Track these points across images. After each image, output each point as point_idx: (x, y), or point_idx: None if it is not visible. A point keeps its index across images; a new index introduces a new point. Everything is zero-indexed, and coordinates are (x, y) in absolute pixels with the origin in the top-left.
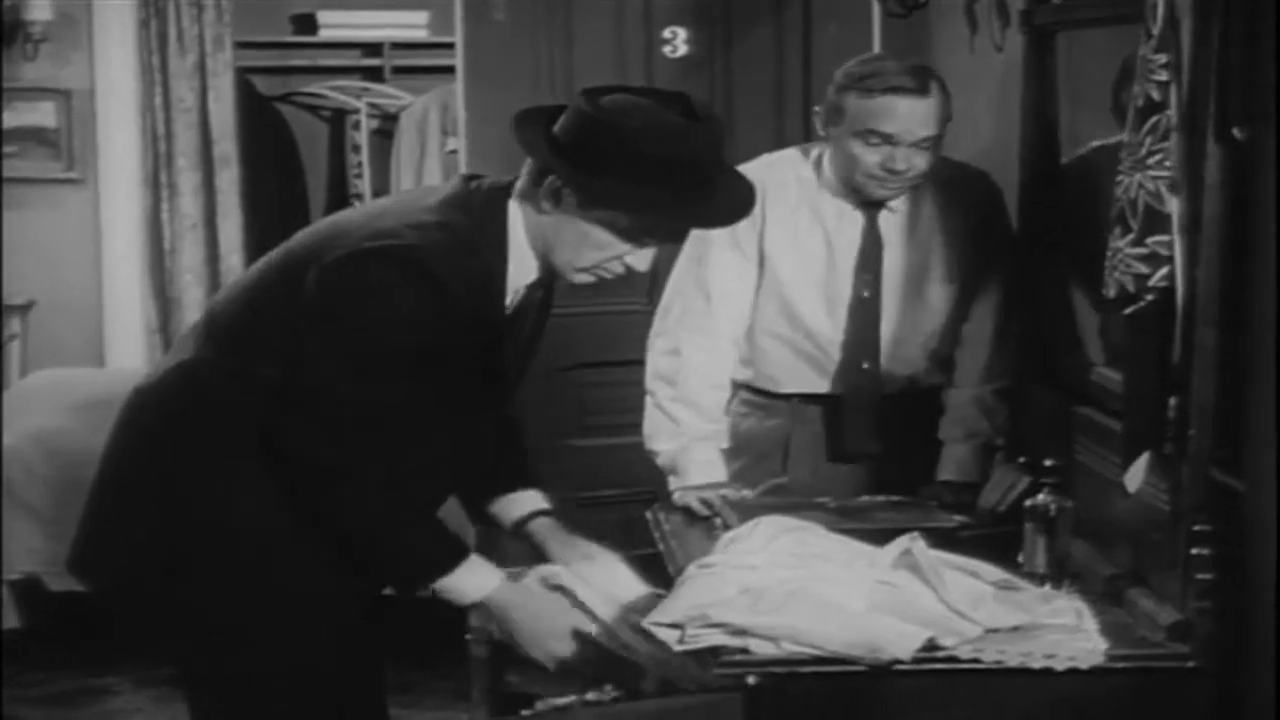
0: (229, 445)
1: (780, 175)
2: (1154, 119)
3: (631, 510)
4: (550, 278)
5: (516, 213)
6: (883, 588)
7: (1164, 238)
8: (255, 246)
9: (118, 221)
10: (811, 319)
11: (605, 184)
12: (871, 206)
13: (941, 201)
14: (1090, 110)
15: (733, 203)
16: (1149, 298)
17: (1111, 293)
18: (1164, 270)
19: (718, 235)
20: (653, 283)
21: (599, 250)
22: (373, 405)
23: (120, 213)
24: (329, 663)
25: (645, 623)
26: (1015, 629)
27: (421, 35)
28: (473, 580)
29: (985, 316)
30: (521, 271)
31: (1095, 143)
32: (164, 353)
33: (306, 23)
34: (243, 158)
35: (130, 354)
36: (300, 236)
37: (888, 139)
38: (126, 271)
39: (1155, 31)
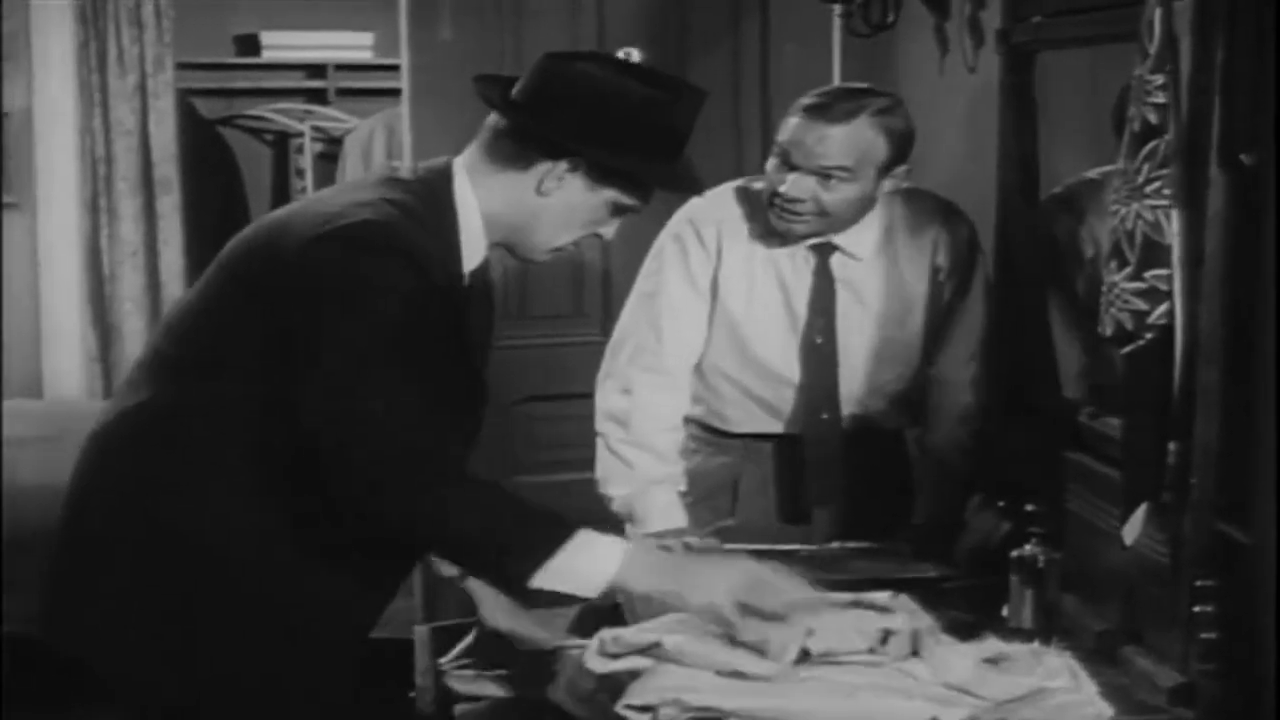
0: (213, 483)
1: (738, 208)
2: (1152, 144)
3: None
4: (486, 261)
5: (467, 189)
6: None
7: (1163, 271)
8: (197, 273)
9: (56, 247)
10: (765, 359)
11: (627, 161)
12: (824, 248)
13: (907, 236)
14: (1072, 136)
15: (691, 168)
16: (1148, 336)
17: (1108, 331)
18: (1164, 306)
19: (672, 270)
20: (606, 314)
21: (586, 228)
22: (406, 388)
23: (58, 238)
24: (337, 696)
25: (617, 707)
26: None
27: (366, 57)
28: (597, 552)
29: (960, 356)
30: (471, 253)
31: (1090, 174)
32: (105, 382)
33: (249, 43)
34: (184, 182)
35: (69, 384)
36: (233, 252)
37: (785, 159)
38: (65, 299)
39: (1152, 50)
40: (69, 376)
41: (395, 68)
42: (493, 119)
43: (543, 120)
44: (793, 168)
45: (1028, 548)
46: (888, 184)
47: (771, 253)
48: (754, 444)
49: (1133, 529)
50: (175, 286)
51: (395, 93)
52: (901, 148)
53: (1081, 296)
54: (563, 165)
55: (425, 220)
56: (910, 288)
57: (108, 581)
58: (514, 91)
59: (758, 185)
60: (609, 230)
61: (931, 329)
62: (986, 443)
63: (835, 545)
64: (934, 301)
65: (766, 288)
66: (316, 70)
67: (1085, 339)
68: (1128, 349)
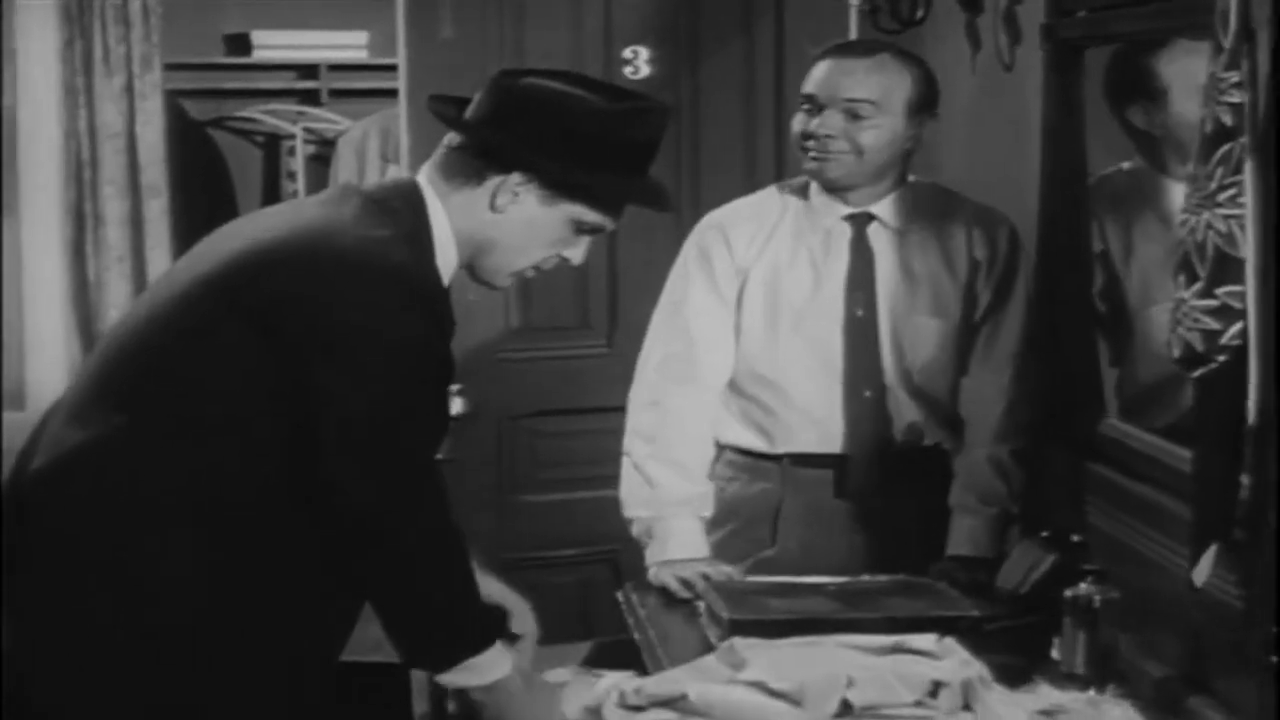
0: (172, 525)
1: (762, 209)
2: (1225, 148)
3: (589, 572)
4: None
5: (439, 209)
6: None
7: (1237, 288)
8: None
9: (39, 254)
10: (803, 351)
11: (582, 174)
12: (860, 219)
13: (936, 227)
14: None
15: (653, 183)
16: (1220, 358)
17: (1176, 353)
18: (1237, 326)
19: (696, 276)
20: (612, 325)
21: (548, 248)
22: (416, 433)
23: (42, 244)
24: None
25: None
26: None
27: (361, 56)
28: (494, 658)
29: (998, 368)
30: (447, 274)
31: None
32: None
33: (240, 43)
34: (172, 186)
35: (53, 395)
36: (224, 272)
37: (814, 101)
38: (48, 307)
39: (1226, 45)
40: (53, 387)
41: (391, 68)
42: (447, 138)
43: (494, 133)
44: (819, 107)
45: (1082, 586)
46: (909, 138)
47: (803, 241)
48: (793, 469)
49: (1203, 570)
50: None
51: (391, 94)
52: (928, 91)
53: (1100, 298)
54: (515, 179)
55: (420, 248)
56: (946, 272)
57: (59, 640)
58: (469, 109)
59: (789, 184)
60: (576, 253)
61: (967, 329)
62: (1027, 464)
63: (866, 578)
64: (969, 296)
65: (800, 275)
66: (309, 70)
67: (1113, 347)
68: (1198, 372)
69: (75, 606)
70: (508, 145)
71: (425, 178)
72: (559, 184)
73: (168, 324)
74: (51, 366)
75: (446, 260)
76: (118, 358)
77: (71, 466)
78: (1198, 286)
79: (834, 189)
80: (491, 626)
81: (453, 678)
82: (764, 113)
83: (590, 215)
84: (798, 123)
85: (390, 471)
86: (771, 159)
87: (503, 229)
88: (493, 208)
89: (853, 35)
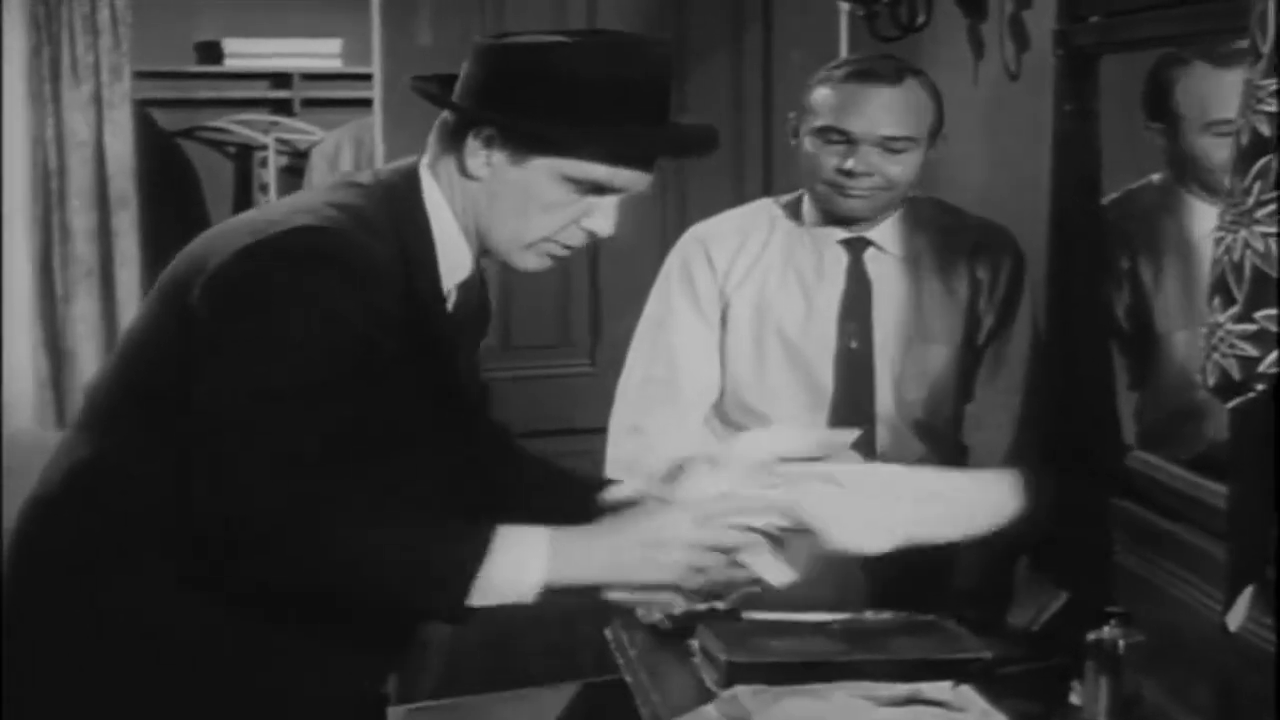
0: (149, 554)
1: (750, 224)
2: (1263, 161)
3: (574, 602)
4: (480, 274)
5: (435, 191)
6: None
7: (1277, 311)
8: None
9: (5, 267)
10: (791, 382)
11: (539, 121)
12: (856, 244)
13: (938, 248)
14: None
15: (691, 132)
16: (1259, 387)
17: (1211, 381)
18: (1277, 353)
19: (678, 295)
20: (595, 343)
21: (549, 213)
22: (310, 428)
23: (8, 257)
24: None
25: None
26: None
27: (335, 65)
28: (519, 554)
29: (1004, 392)
30: (454, 264)
31: (1140, 182)
32: (58, 410)
33: (211, 51)
34: (142, 198)
35: (20, 412)
36: (169, 272)
37: (845, 136)
38: (15, 322)
39: (1264, 50)
40: (20, 404)
41: (366, 77)
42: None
43: (460, 95)
44: (851, 141)
45: (1106, 629)
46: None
47: (794, 264)
48: None
49: (1238, 613)
50: (132, 308)
51: (365, 103)
52: (941, 109)
53: (1124, 319)
54: (475, 138)
55: (381, 228)
56: (947, 295)
57: (48, 665)
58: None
59: (779, 200)
60: (598, 222)
61: (970, 352)
62: (1036, 493)
63: (869, 616)
64: (972, 318)
65: (790, 302)
66: (282, 79)
67: (1133, 370)
68: (1234, 402)
69: (57, 648)
70: (468, 102)
71: (427, 156)
72: (522, 137)
73: (135, 330)
74: (19, 383)
75: (449, 244)
76: (102, 375)
77: (59, 489)
78: (1234, 310)
79: (836, 216)
80: (469, 538)
81: (494, 602)
82: (752, 121)
83: (577, 169)
84: (826, 154)
85: (236, 497)
86: (759, 168)
87: (487, 199)
88: (465, 173)
89: (844, 42)
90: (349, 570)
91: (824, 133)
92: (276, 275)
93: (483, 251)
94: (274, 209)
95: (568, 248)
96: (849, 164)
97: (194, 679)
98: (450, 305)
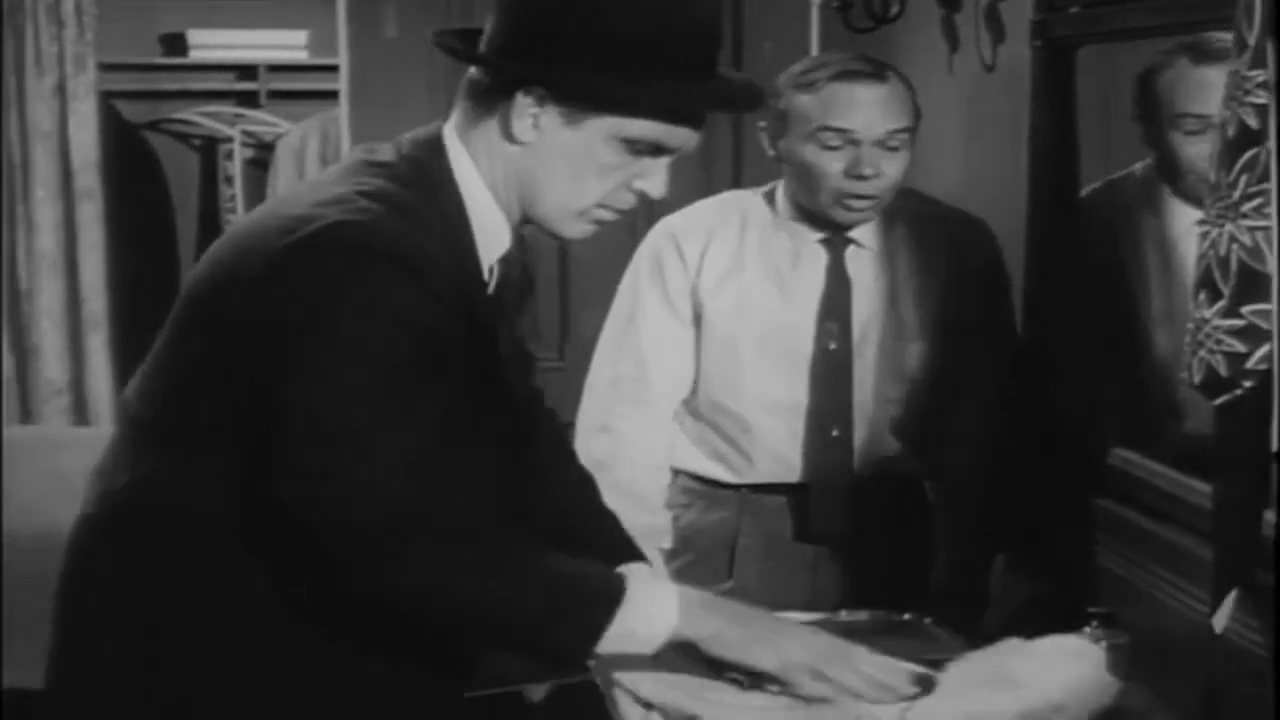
0: (207, 579)
1: (722, 217)
2: (1250, 153)
3: None
4: (522, 246)
5: (464, 161)
6: None
7: (1265, 306)
8: (119, 287)
9: None
10: (767, 381)
11: (597, 78)
12: (836, 242)
13: (917, 242)
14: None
15: (740, 86)
16: (1246, 384)
17: (1197, 378)
18: (1265, 349)
19: (648, 290)
20: (564, 337)
21: (604, 177)
22: (412, 426)
23: None
24: None
25: None
26: None
27: (301, 57)
28: (650, 609)
29: (981, 388)
30: (491, 239)
31: (1118, 174)
32: (22, 406)
33: (176, 43)
34: (107, 190)
35: None
36: (194, 278)
37: (847, 136)
38: None
39: (1251, 41)
40: None
41: (332, 68)
42: (471, 69)
43: (494, 52)
44: (853, 142)
45: (1088, 631)
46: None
47: (770, 261)
48: (752, 496)
49: (1223, 615)
50: (96, 303)
51: (332, 95)
52: (918, 105)
53: (1112, 314)
54: (524, 100)
55: (417, 209)
56: (926, 290)
57: (108, 693)
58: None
59: (754, 193)
60: (653, 183)
61: (948, 346)
62: (1014, 491)
63: (845, 616)
64: (950, 312)
65: (766, 300)
66: (247, 71)
67: (1115, 365)
68: (1221, 399)
69: (115, 679)
70: (505, 60)
71: (452, 121)
72: (577, 96)
73: (162, 343)
74: None
75: (484, 217)
76: (135, 384)
77: (105, 515)
78: (1220, 305)
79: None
80: (605, 582)
81: (615, 649)
82: (720, 116)
83: (637, 129)
84: (829, 160)
85: (355, 506)
86: (729, 162)
87: (536, 164)
88: (510, 139)
89: (815, 33)
90: (454, 594)
91: (821, 136)
92: (332, 276)
93: (523, 221)
94: (294, 203)
95: (618, 212)
96: (860, 168)
97: (265, 697)
98: (491, 285)
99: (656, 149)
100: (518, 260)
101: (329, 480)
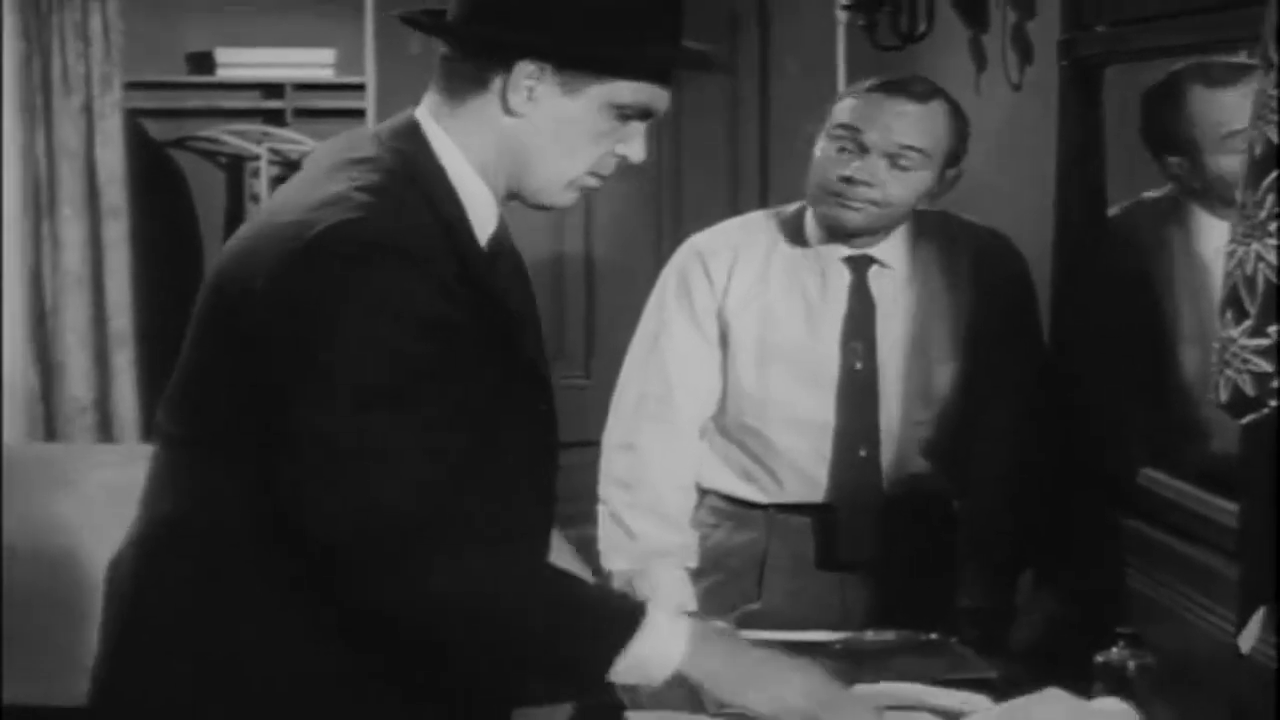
0: (248, 610)
1: (749, 237)
2: (1276, 172)
3: None
4: (504, 230)
5: (445, 142)
6: None
7: None
8: (145, 305)
9: None
10: (793, 400)
11: (594, 44)
12: (859, 261)
13: (943, 262)
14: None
15: (701, 50)
16: (1272, 403)
17: (1223, 397)
18: None
19: (674, 309)
20: (589, 354)
21: (596, 144)
22: (423, 427)
23: None
24: None
25: None
26: None
27: (328, 75)
28: (658, 642)
29: (1008, 405)
30: (481, 219)
31: (1149, 194)
32: (47, 424)
33: (203, 61)
34: (133, 208)
35: (8, 426)
36: (206, 289)
37: (857, 139)
38: (4, 334)
39: (1276, 60)
40: (9, 416)
41: (359, 87)
42: (440, 50)
43: (482, 23)
44: (862, 148)
45: (1114, 650)
46: (934, 190)
47: (796, 279)
48: (780, 516)
49: (1250, 634)
50: (122, 320)
51: (358, 113)
52: (963, 144)
53: (1132, 333)
54: (522, 70)
55: (412, 199)
56: (952, 309)
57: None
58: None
59: (780, 212)
60: (634, 148)
61: (975, 366)
62: (1040, 509)
63: (871, 635)
64: (976, 332)
65: (791, 318)
66: (274, 89)
67: (1142, 384)
68: (1247, 419)
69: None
70: (501, 32)
71: (426, 107)
72: (578, 62)
73: (184, 358)
74: (7, 395)
75: (473, 198)
76: (164, 403)
77: (148, 543)
78: (1247, 324)
79: (839, 232)
80: (624, 608)
81: (625, 680)
82: (748, 134)
83: (628, 93)
84: (829, 158)
85: (364, 519)
86: (756, 179)
87: (532, 135)
88: (508, 111)
89: (841, 52)
90: (486, 613)
91: (836, 137)
92: (337, 277)
93: (509, 197)
94: (292, 206)
95: (602, 179)
96: (851, 169)
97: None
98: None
99: (644, 113)
100: (506, 239)
101: (337, 493)
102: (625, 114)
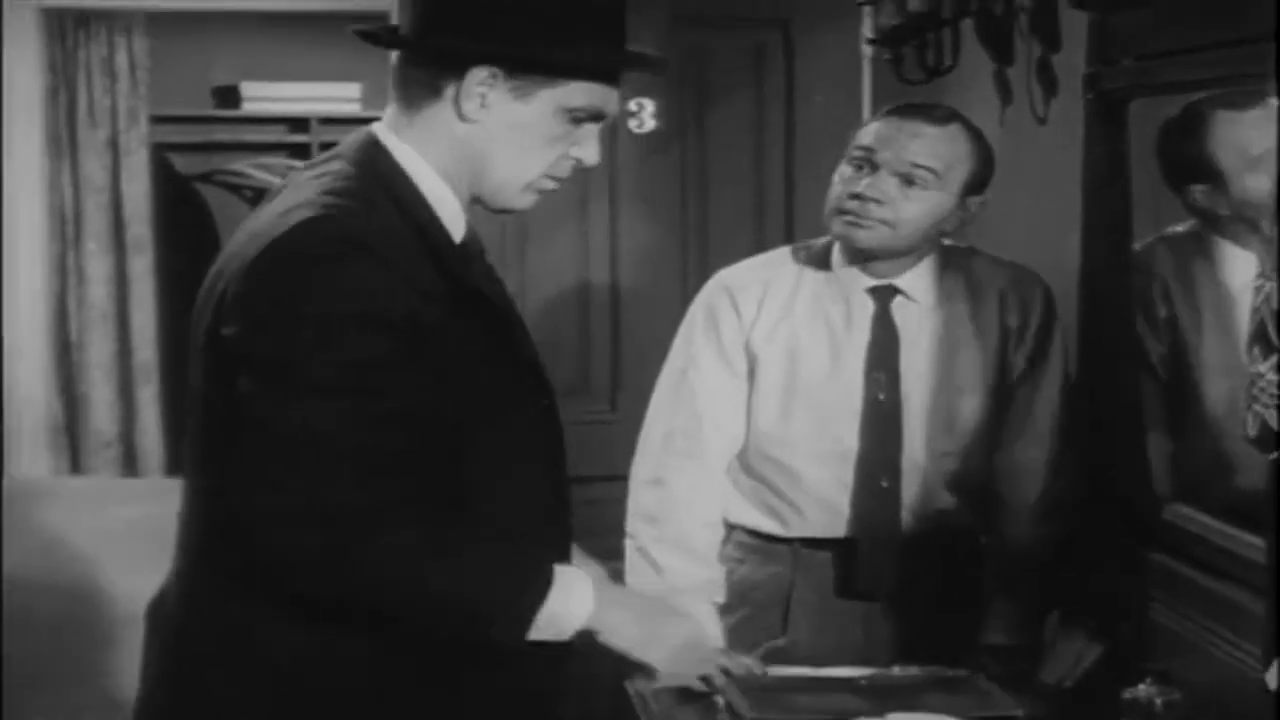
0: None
1: (777, 271)
2: None
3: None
4: (474, 231)
5: (407, 152)
6: None
7: None
8: (170, 340)
9: (20, 311)
10: (817, 432)
11: (546, 49)
12: (883, 292)
13: (968, 295)
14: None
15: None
16: None
17: (1252, 431)
18: None
19: (702, 344)
20: (615, 388)
21: (551, 146)
22: (366, 421)
23: (24, 301)
24: None
25: None
26: None
27: (354, 109)
28: (574, 596)
29: (1034, 441)
30: (452, 223)
31: (1172, 229)
32: (72, 456)
33: (229, 95)
34: (158, 242)
35: (32, 458)
36: (195, 318)
37: (870, 159)
38: (29, 366)
39: None
40: (34, 449)
41: None
42: (393, 63)
43: (433, 34)
44: (874, 167)
45: (1142, 687)
46: (955, 218)
47: (821, 309)
48: (805, 550)
49: (1277, 672)
50: (146, 353)
51: None
52: (984, 172)
53: (1159, 367)
54: (474, 76)
55: (380, 203)
56: (977, 343)
57: None
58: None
59: (809, 246)
60: (588, 151)
61: (1000, 400)
62: (1067, 545)
63: (897, 671)
64: (1002, 365)
65: (815, 346)
66: (299, 123)
67: (1168, 419)
68: (1276, 454)
69: None
70: (453, 40)
71: (385, 121)
72: (527, 67)
73: (193, 388)
74: (32, 428)
75: (442, 203)
76: (188, 433)
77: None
78: (1274, 359)
79: (859, 258)
80: (536, 569)
81: (542, 636)
82: (773, 169)
83: (579, 96)
84: (844, 178)
85: (302, 512)
86: (781, 214)
87: (486, 141)
88: (462, 118)
89: (866, 86)
90: (419, 589)
91: (853, 159)
92: (301, 272)
93: (471, 200)
94: (263, 219)
95: (558, 181)
96: (861, 186)
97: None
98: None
99: (595, 115)
100: (476, 241)
101: (278, 480)
102: (577, 117)
